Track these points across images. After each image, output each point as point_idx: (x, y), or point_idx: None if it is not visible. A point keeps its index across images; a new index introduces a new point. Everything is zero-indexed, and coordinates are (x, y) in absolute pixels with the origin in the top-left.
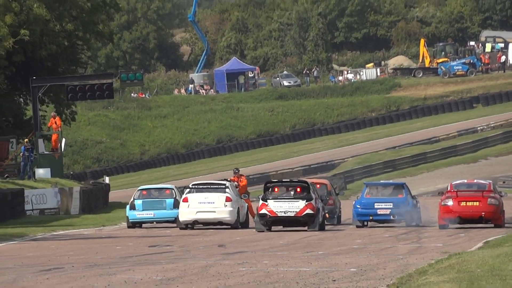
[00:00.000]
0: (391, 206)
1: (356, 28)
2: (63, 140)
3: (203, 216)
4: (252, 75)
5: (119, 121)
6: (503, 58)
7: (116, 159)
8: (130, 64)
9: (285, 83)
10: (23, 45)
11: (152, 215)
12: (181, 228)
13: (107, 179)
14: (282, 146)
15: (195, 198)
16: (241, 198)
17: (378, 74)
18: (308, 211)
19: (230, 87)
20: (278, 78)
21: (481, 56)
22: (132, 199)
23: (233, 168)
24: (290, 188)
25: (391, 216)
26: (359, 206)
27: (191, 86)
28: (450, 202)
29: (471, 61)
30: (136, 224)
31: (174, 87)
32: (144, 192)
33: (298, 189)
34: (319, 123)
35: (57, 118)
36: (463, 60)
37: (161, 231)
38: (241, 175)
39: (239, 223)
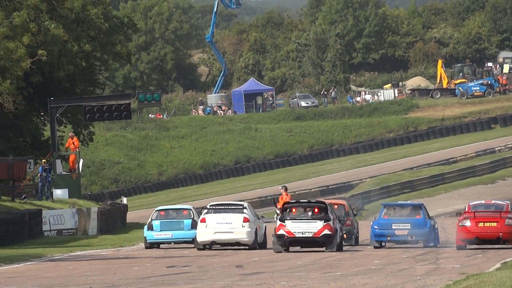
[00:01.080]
0: (409, 227)
1: (374, 49)
2: (81, 160)
3: (221, 237)
4: (266, 96)
5: (137, 142)
6: None
7: (134, 179)
8: (147, 85)
9: (303, 103)
10: (41, 66)
11: (170, 235)
12: (199, 249)
13: (124, 200)
14: (300, 166)
15: (213, 219)
16: (259, 218)
17: (396, 95)
18: (326, 231)
19: (248, 107)
20: (295, 99)
21: (499, 77)
22: (150, 220)
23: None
24: (308, 209)
25: (409, 237)
26: (376, 227)
27: (200, 107)
28: (468, 223)
29: (489, 82)
30: (154, 245)
31: (191, 107)
32: (162, 213)
33: (316, 210)
34: (337, 144)
35: (75, 138)
36: (481, 81)
37: (179, 251)
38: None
39: (257, 244)
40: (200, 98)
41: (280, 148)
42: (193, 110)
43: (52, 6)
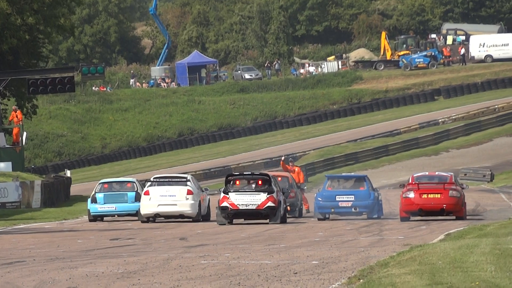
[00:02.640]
0: (353, 199)
1: (317, 21)
2: (24, 133)
3: (165, 209)
4: (211, 69)
5: (80, 115)
6: (462, 50)
7: (78, 152)
8: (91, 58)
9: (247, 76)
10: None
11: (114, 208)
12: (142, 221)
13: (68, 173)
14: (244, 139)
15: (156, 191)
16: (203, 191)
17: (340, 67)
18: (270, 204)
19: (192, 80)
20: (239, 71)
21: (443, 48)
22: (93, 193)
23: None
24: (251, 181)
25: (353, 209)
26: (320, 199)
27: (132, 80)
28: (411, 195)
29: (433, 54)
30: (97, 218)
31: (135, 80)
32: (106, 186)
33: (260, 182)
34: (281, 116)
35: (18, 111)
36: (425, 53)
37: (123, 224)
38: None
39: (201, 216)
40: (131, 71)
41: (223, 121)
42: (137, 83)
43: None
